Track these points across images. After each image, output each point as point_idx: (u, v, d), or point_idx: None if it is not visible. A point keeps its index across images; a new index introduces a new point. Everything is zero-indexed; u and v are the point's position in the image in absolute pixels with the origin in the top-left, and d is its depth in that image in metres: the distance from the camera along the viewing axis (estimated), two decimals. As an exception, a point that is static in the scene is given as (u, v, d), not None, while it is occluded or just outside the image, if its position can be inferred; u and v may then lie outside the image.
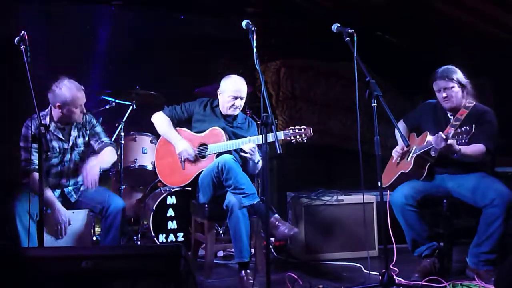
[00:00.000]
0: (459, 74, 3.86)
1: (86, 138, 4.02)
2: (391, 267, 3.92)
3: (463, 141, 3.47)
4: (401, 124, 4.22)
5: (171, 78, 5.99)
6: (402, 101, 6.62)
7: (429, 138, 3.81)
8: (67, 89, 3.76)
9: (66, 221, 3.75)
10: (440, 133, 3.55)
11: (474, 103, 3.87)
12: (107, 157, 3.98)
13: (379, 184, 3.50)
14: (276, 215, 3.85)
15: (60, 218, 3.74)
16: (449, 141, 3.51)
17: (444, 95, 3.86)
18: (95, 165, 3.83)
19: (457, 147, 3.56)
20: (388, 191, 4.01)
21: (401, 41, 6.78)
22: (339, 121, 6.78)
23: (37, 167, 3.62)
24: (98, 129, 4.08)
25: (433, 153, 3.80)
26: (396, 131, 4.03)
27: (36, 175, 3.61)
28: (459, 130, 3.47)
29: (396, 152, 4.09)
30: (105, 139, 4.08)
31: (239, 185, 3.73)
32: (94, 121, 4.09)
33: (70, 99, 3.76)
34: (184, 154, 4.08)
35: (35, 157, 3.68)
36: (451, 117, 3.90)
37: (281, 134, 3.80)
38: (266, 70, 6.70)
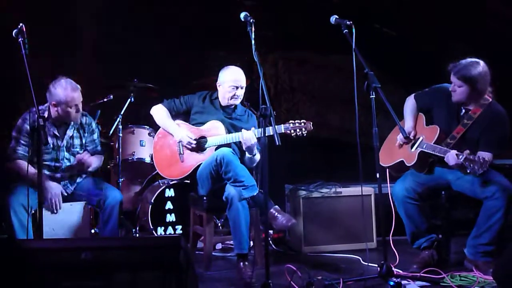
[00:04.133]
0: (476, 74, 3.65)
1: (84, 140, 4.03)
2: (396, 253, 3.91)
3: (474, 172, 3.43)
4: (411, 100, 4.09)
5: (168, 71, 5.97)
6: (401, 94, 6.60)
7: (438, 133, 3.77)
8: (62, 89, 3.78)
9: (56, 194, 3.76)
10: (454, 154, 3.52)
11: (490, 100, 3.78)
12: (95, 162, 4.05)
13: (377, 176, 3.51)
14: (276, 206, 3.87)
15: (50, 193, 3.74)
16: (461, 162, 3.48)
17: (451, 89, 3.78)
18: (90, 158, 3.95)
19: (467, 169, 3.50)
20: (388, 181, 3.99)
21: (400, 33, 6.76)
22: (337, 114, 6.77)
23: (20, 155, 3.75)
24: (96, 136, 4.12)
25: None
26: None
27: (20, 162, 3.72)
28: (471, 158, 3.42)
29: (400, 139, 3.97)
30: (99, 148, 4.15)
31: (238, 178, 3.73)
32: (94, 126, 4.11)
33: (64, 99, 3.77)
34: (185, 139, 4.06)
35: (22, 149, 3.76)
36: (463, 110, 3.83)
37: (281, 128, 3.82)
38: (264, 63, 6.66)
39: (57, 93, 3.77)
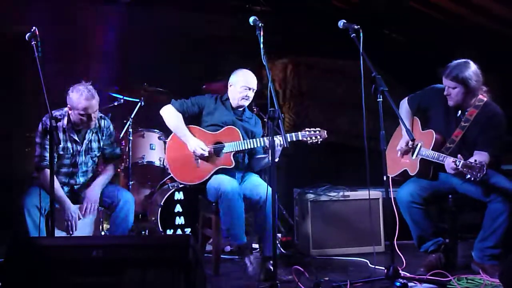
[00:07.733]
0: (468, 73, 3.68)
1: (101, 143, 4.04)
2: (400, 255, 3.91)
3: (474, 178, 3.42)
4: (404, 105, 4.09)
5: (179, 75, 6.02)
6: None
7: (436, 136, 3.81)
8: (77, 95, 3.75)
9: (75, 217, 3.82)
10: (452, 163, 3.54)
11: (485, 100, 3.80)
12: (109, 175, 4.06)
13: (385, 179, 3.54)
14: (251, 256, 3.93)
15: (70, 215, 3.79)
16: (459, 169, 3.50)
17: (446, 93, 3.81)
18: (96, 191, 3.93)
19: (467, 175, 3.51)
20: (391, 186, 4.00)
21: (407, 38, 6.79)
22: (345, 118, 6.79)
23: (48, 162, 3.65)
24: (114, 138, 4.14)
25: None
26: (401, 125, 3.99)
27: (48, 172, 3.61)
28: (469, 164, 3.42)
29: (400, 148, 4.00)
30: (117, 150, 4.17)
31: (229, 226, 3.85)
32: (112, 129, 4.11)
33: (76, 105, 3.76)
34: (199, 151, 3.99)
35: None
36: (459, 111, 3.86)
37: (298, 135, 3.89)
38: (273, 67, 6.71)
39: (71, 98, 3.77)
